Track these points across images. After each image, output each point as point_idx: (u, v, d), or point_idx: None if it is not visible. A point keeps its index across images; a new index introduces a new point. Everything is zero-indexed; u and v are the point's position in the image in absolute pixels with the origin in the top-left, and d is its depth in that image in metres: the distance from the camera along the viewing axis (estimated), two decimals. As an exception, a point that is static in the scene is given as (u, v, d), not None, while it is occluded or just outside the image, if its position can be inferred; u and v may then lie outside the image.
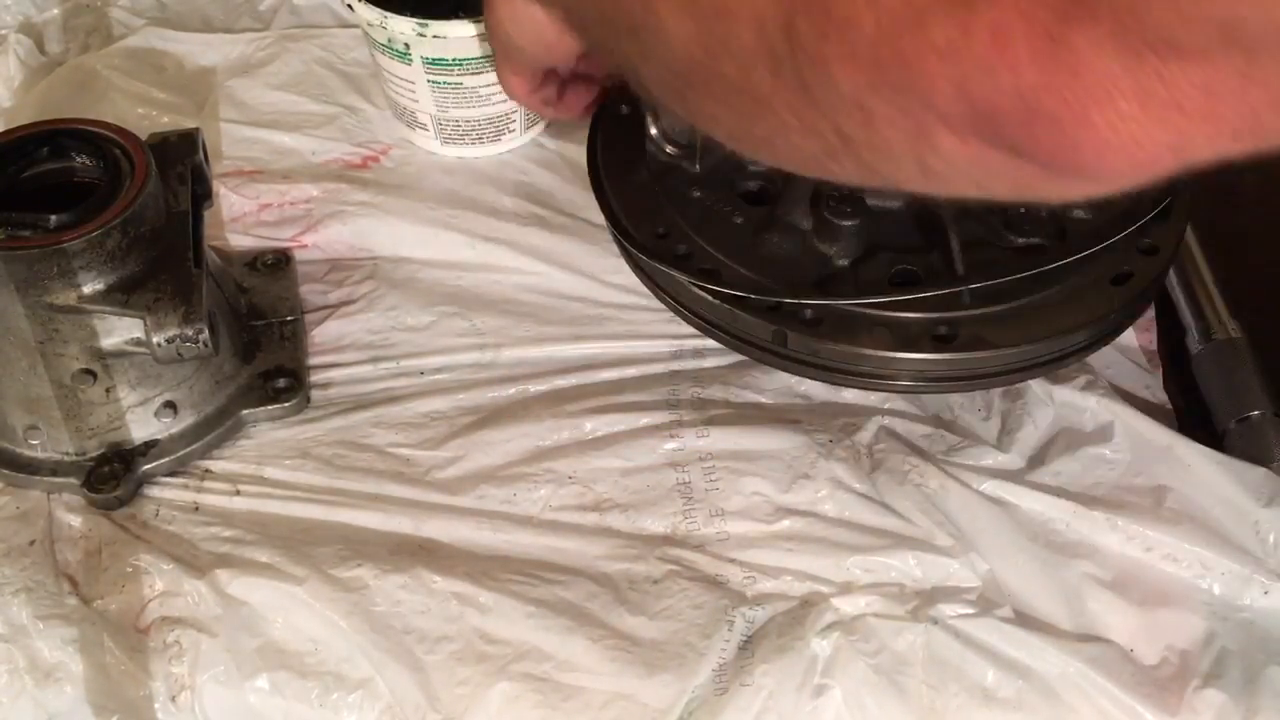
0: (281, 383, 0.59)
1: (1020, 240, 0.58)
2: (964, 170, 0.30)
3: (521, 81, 0.58)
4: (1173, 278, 0.66)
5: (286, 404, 0.58)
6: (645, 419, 0.58)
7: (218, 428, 0.57)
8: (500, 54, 0.55)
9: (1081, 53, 0.25)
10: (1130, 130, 0.25)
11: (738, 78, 0.32)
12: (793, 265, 0.58)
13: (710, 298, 0.56)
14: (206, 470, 0.56)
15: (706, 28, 0.32)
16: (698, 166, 0.62)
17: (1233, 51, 0.24)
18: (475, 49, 0.65)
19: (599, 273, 0.65)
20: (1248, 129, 0.25)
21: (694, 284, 0.56)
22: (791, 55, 0.30)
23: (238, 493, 0.55)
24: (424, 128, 0.71)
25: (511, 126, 0.70)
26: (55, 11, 0.81)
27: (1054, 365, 0.57)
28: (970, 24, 0.26)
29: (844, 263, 0.58)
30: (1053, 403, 0.59)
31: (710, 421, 0.58)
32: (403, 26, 0.65)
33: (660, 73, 0.36)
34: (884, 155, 0.31)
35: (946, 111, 0.27)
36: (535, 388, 0.60)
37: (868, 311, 0.55)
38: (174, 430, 0.56)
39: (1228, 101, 0.24)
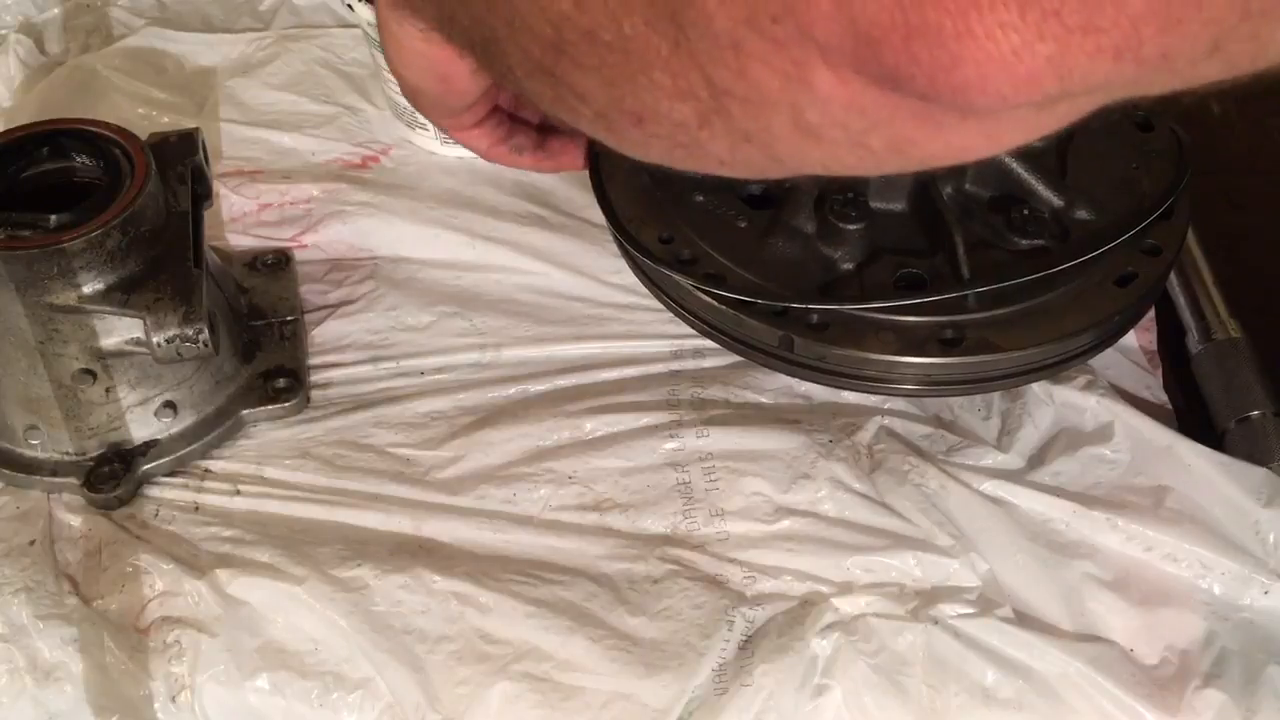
0: (281, 383, 0.59)
1: (1024, 242, 0.58)
2: (841, 119, 0.29)
3: (474, 134, 0.52)
4: (1173, 278, 0.66)
5: (286, 404, 0.58)
6: (645, 419, 0.58)
7: (218, 428, 0.57)
8: (421, 109, 0.49)
9: None
10: (1010, 41, 0.25)
11: (610, 31, 0.31)
12: (797, 269, 0.58)
13: (716, 303, 0.56)
14: (206, 470, 0.56)
15: None
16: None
17: None
18: (475, 49, 0.65)
19: (599, 273, 0.65)
20: (1128, 45, 0.25)
21: (699, 289, 0.56)
22: None
23: (238, 493, 0.55)
24: (424, 128, 0.70)
25: (511, 126, 0.70)
26: (55, 11, 0.81)
27: (1062, 367, 0.57)
28: None
29: (849, 266, 0.58)
30: (1053, 403, 0.59)
31: (710, 421, 0.58)
32: (403, 26, 0.64)
33: (529, 45, 0.34)
34: (757, 108, 0.30)
35: (825, 38, 0.27)
36: (535, 388, 0.60)
37: (874, 316, 0.55)
38: (174, 430, 0.56)
39: (1105, 11, 0.24)
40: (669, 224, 0.59)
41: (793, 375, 0.57)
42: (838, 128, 0.29)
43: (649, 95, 0.32)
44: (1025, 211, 0.59)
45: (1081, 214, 0.59)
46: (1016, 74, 0.25)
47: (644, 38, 0.30)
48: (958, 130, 0.29)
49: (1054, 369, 0.57)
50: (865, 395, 0.59)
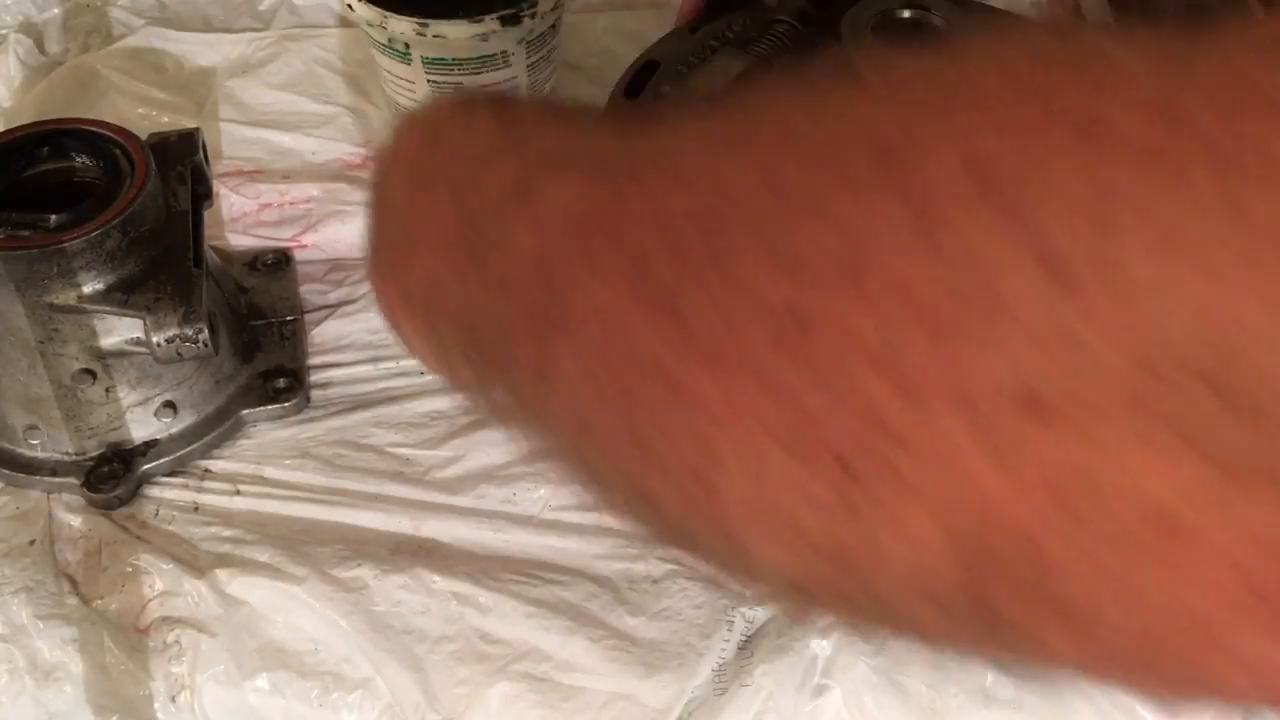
0: (281, 382, 0.59)
1: None
2: None
3: None
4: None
5: (286, 404, 0.58)
6: (645, 419, 0.58)
7: (218, 428, 0.57)
8: None
9: None
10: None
11: None
12: None
13: None
14: (206, 470, 0.56)
15: None
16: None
17: None
18: (475, 49, 0.65)
19: (599, 273, 0.64)
20: None
21: None
22: None
23: (238, 493, 0.55)
24: (424, 128, 0.70)
25: (511, 126, 0.70)
26: (55, 11, 0.81)
27: None
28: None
29: None
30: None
31: (710, 421, 0.57)
32: (403, 26, 0.65)
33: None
34: None
35: None
36: (535, 388, 0.60)
37: None
38: (174, 430, 0.56)
39: None
40: None
41: None
42: None
43: None
44: None
45: None
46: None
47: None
48: None
49: None
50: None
